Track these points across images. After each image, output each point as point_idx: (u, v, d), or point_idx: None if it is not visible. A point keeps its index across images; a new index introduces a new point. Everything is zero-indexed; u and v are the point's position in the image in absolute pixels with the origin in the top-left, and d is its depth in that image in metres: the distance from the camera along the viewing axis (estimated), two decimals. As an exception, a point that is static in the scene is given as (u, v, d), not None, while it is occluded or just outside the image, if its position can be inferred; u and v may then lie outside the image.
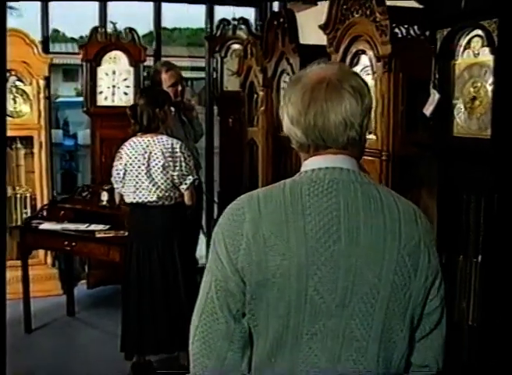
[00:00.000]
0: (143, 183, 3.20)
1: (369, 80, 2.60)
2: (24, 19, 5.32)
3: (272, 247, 1.16)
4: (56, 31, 14.12)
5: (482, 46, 2.00)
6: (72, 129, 10.52)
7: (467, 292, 2.07)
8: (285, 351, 1.18)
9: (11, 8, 5.68)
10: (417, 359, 1.27)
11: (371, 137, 2.58)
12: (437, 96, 2.16)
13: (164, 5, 5.21)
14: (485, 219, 2.01)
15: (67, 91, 14.76)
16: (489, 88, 1.97)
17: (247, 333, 1.22)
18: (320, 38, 2.93)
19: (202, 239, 4.75)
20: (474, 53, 2.05)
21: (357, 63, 2.69)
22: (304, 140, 1.22)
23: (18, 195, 4.61)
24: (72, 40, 13.92)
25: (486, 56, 1.98)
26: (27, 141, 4.58)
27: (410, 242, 1.18)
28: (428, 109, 2.19)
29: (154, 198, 3.20)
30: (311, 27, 3.18)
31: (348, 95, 1.20)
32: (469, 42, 2.07)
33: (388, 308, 1.17)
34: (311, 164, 1.23)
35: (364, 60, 2.65)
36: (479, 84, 2.03)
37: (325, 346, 1.17)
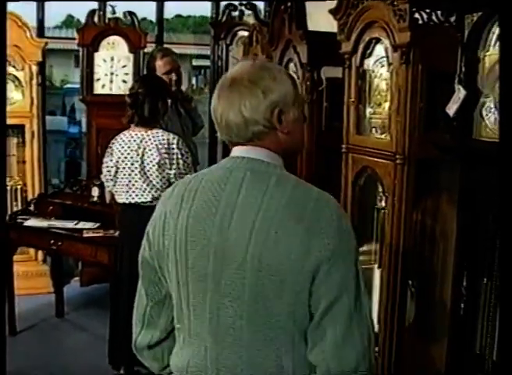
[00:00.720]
0: (136, 182, 2.97)
1: (384, 72, 2.34)
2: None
3: (166, 224, 1.31)
4: (71, 17, 14.04)
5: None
6: (78, 116, 10.36)
7: (493, 322, 1.79)
8: (183, 318, 1.32)
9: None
10: (311, 356, 1.23)
11: (384, 137, 2.31)
12: (463, 93, 1.89)
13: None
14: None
15: (78, 77, 14.66)
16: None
17: (162, 295, 1.38)
18: (331, 25, 2.67)
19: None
20: (509, 43, 1.76)
21: (370, 54, 2.42)
22: (219, 135, 1.34)
23: (8, 187, 4.36)
24: (87, 26, 13.90)
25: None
26: (19, 130, 4.34)
27: (285, 229, 1.19)
28: (451, 108, 1.92)
29: (149, 199, 2.97)
30: (321, 13, 2.91)
31: (248, 93, 1.25)
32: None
33: (259, 292, 1.20)
34: (229, 155, 1.34)
35: (379, 50, 2.37)
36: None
37: (204, 320, 1.27)
